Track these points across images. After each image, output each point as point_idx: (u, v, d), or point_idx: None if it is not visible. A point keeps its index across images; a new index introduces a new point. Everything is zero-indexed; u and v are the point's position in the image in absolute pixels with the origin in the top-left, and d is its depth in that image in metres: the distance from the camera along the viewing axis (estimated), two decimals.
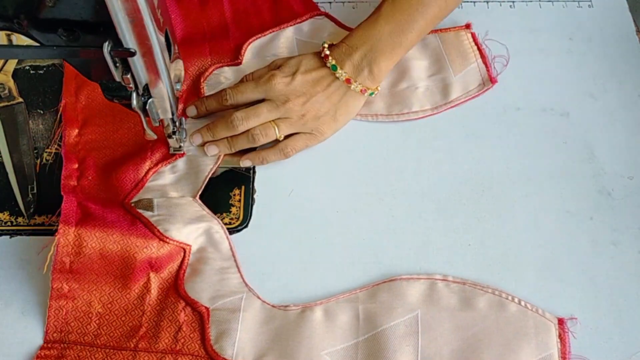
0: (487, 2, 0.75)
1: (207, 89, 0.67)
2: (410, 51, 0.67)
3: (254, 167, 0.63)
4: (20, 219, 0.60)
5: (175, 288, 0.56)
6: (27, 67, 0.68)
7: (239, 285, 0.56)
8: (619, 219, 0.61)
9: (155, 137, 0.56)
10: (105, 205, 0.59)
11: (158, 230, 0.57)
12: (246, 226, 0.60)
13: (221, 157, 0.63)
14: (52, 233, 0.59)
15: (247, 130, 0.62)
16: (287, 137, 0.63)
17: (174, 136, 0.59)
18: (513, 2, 0.75)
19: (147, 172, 0.61)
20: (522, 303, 0.55)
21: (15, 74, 0.68)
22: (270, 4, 0.73)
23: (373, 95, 0.64)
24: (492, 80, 0.67)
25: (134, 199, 0.60)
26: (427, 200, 0.62)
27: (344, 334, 0.54)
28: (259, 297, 0.56)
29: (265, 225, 0.60)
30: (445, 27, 0.70)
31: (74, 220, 0.57)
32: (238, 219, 0.61)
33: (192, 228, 0.58)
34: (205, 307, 0.55)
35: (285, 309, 0.55)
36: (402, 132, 0.66)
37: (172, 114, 0.55)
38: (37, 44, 0.46)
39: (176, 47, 0.52)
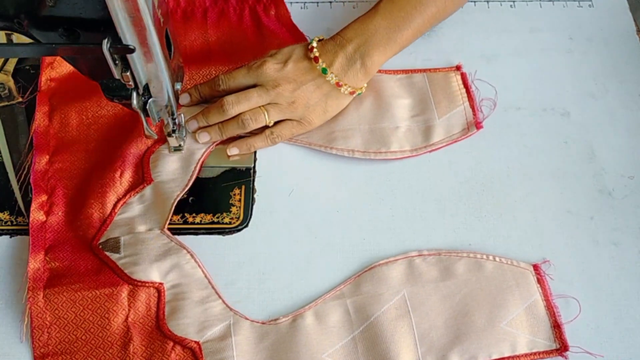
0: (488, 2, 0.75)
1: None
2: (394, 89, 0.66)
3: (254, 167, 0.63)
4: (20, 219, 0.60)
5: (158, 329, 0.54)
6: (27, 67, 0.68)
7: (223, 312, 0.55)
8: (620, 219, 0.61)
9: (155, 136, 0.56)
10: (74, 250, 0.57)
11: (126, 275, 0.55)
12: (246, 226, 0.60)
13: (189, 184, 0.61)
14: None
15: (238, 116, 0.62)
16: (275, 123, 0.63)
17: (173, 135, 0.59)
18: (513, 1, 0.75)
19: (115, 205, 0.59)
20: (497, 259, 0.58)
21: (16, 74, 0.68)
22: (255, 31, 0.71)
23: (360, 95, 0.64)
24: (477, 125, 0.64)
25: (102, 239, 0.58)
26: (427, 200, 0.62)
27: (339, 332, 0.54)
28: (246, 318, 0.55)
29: (265, 225, 0.60)
30: (435, 67, 0.69)
31: (42, 283, 0.55)
32: (238, 218, 0.61)
33: (158, 266, 0.56)
34: (195, 342, 0.53)
35: (275, 322, 0.55)
36: None
37: (172, 113, 0.55)
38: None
39: (176, 46, 0.52)
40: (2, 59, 0.68)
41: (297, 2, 0.75)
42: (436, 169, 0.63)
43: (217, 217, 0.61)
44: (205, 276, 0.57)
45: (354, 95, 0.64)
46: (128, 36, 0.44)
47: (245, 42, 0.71)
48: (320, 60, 0.61)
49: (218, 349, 0.53)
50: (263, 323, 0.55)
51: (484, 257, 0.57)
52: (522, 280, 0.56)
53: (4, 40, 0.67)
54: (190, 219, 0.61)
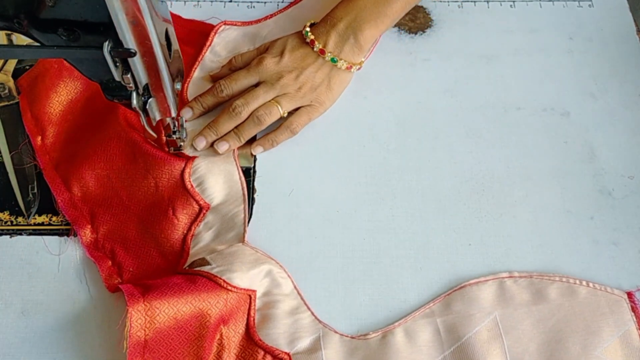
0: (488, 2, 0.75)
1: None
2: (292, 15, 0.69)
3: (254, 167, 0.63)
4: (20, 219, 0.60)
5: (249, 337, 0.53)
6: (27, 67, 0.68)
7: (312, 324, 0.55)
8: (620, 219, 0.61)
9: (155, 136, 0.56)
10: (162, 276, 0.55)
11: (224, 281, 0.53)
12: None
13: (245, 193, 0.60)
14: (52, 233, 0.59)
15: (251, 115, 0.62)
16: (289, 114, 0.64)
17: (174, 135, 0.59)
18: (513, 2, 0.75)
19: (184, 242, 0.58)
20: (590, 285, 0.56)
21: (15, 74, 0.68)
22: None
23: (358, 70, 0.66)
24: None
25: (186, 265, 0.56)
26: (427, 200, 0.62)
27: (429, 351, 0.54)
28: (336, 332, 0.55)
29: (265, 225, 0.60)
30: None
31: (139, 293, 0.52)
32: None
33: (255, 271, 0.55)
34: (286, 353, 0.53)
35: (365, 337, 0.54)
36: (403, 132, 0.66)
37: (172, 114, 0.55)
38: (37, 44, 0.46)
39: (176, 47, 0.52)
40: (2, 60, 0.68)
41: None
42: (436, 169, 0.63)
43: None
44: (295, 287, 0.56)
45: (352, 70, 0.65)
46: (128, 37, 0.44)
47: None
48: (316, 43, 0.63)
49: None
50: (352, 337, 0.54)
51: (577, 282, 0.56)
52: (616, 308, 0.55)
53: (4, 41, 0.67)
54: None
